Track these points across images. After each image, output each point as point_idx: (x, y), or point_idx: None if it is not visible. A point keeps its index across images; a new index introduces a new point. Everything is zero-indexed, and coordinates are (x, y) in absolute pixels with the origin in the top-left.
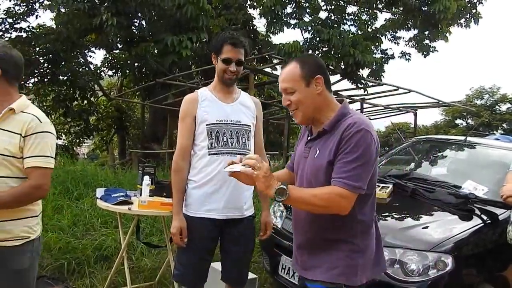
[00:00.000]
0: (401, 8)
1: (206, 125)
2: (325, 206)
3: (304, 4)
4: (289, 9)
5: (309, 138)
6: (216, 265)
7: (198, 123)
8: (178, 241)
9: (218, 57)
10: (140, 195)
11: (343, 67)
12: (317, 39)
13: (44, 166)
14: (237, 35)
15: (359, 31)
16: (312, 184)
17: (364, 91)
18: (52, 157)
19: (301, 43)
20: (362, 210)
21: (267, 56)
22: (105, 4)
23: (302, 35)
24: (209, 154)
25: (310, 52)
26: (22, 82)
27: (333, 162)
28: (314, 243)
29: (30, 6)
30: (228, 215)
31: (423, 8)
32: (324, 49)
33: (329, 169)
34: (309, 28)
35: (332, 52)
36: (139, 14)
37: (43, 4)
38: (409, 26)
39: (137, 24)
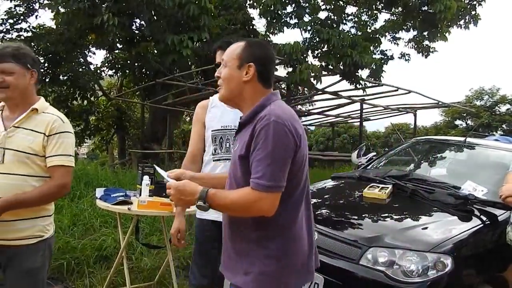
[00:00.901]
0: (401, 8)
1: (211, 131)
2: (245, 211)
3: (304, 4)
4: (289, 9)
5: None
6: None
7: (206, 129)
8: (175, 241)
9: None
10: (140, 195)
11: (341, 67)
12: (317, 39)
13: (67, 165)
14: (226, 40)
15: (358, 32)
16: (232, 180)
17: (363, 92)
18: (73, 156)
19: (301, 44)
20: (280, 210)
21: None
22: (106, 4)
23: (302, 35)
24: (213, 160)
25: (309, 52)
26: None
27: (247, 157)
28: (232, 243)
29: (30, 7)
30: None
31: (423, 8)
32: (323, 49)
33: (242, 164)
34: (309, 28)
35: (332, 52)
36: (140, 14)
37: (43, 4)
38: (408, 27)
39: (138, 24)
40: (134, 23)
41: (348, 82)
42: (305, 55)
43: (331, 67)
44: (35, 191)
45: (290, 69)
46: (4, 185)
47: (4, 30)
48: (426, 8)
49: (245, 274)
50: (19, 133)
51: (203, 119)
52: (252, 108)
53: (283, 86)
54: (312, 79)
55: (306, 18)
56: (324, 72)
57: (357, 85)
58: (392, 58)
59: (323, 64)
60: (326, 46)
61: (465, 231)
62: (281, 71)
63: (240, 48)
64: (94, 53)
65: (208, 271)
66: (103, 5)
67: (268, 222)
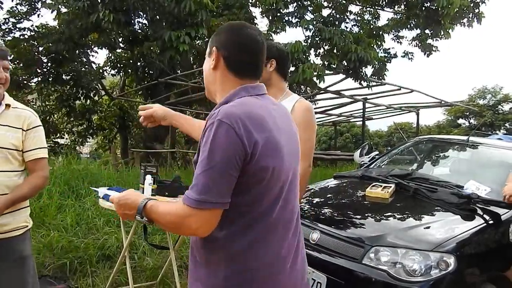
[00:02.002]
0: (404, 5)
1: None
2: (176, 228)
3: (306, 3)
4: (291, 8)
5: None
6: None
7: None
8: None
9: None
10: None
11: (345, 64)
12: (319, 37)
13: (46, 157)
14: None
15: (361, 31)
16: None
17: (369, 89)
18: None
19: (303, 43)
20: (229, 231)
21: None
22: (102, 1)
23: (304, 33)
24: None
25: (312, 50)
26: (25, 82)
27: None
28: (193, 262)
29: (32, 5)
30: None
31: (426, 5)
32: (325, 47)
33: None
34: (311, 27)
35: (334, 51)
36: (140, 12)
37: (45, 3)
38: (411, 25)
39: (139, 23)
40: (132, 21)
41: (353, 79)
42: (307, 54)
43: (333, 66)
44: (26, 185)
45: (292, 69)
46: None
47: (7, 29)
48: (429, 4)
49: None
50: None
51: None
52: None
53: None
54: (315, 78)
55: (308, 17)
56: (327, 71)
57: (362, 83)
58: (395, 56)
59: (325, 63)
60: (328, 45)
61: (468, 230)
62: None
63: (215, 34)
64: (96, 52)
65: None
66: (100, 3)
67: (214, 243)
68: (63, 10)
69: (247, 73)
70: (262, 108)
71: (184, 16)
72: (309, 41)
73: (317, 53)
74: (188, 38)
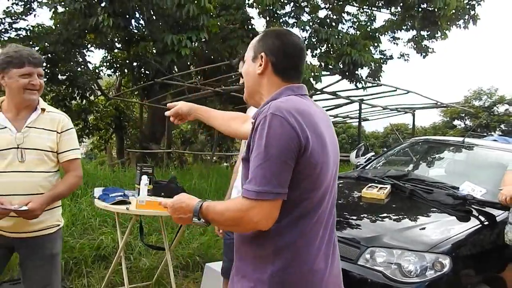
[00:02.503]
0: (400, 6)
1: None
2: (237, 224)
3: (303, 4)
4: (287, 8)
5: None
6: (215, 265)
7: None
8: (217, 231)
9: None
10: (138, 195)
11: (341, 66)
12: (316, 38)
13: (79, 157)
14: None
15: (357, 32)
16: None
17: (364, 91)
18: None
19: None
20: (282, 224)
21: None
22: (102, 5)
23: (300, 34)
24: None
25: (308, 52)
26: None
27: (248, 159)
28: (236, 260)
29: (28, 5)
30: None
31: (422, 6)
32: (322, 48)
33: (245, 166)
34: (307, 28)
35: (331, 52)
36: (137, 14)
37: (41, 2)
38: (408, 27)
39: (135, 24)
40: (131, 24)
41: (348, 81)
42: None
43: (330, 67)
44: (63, 184)
45: None
46: (26, 183)
47: (3, 29)
48: (425, 5)
49: None
50: (33, 132)
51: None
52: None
53: None
54: (312, 79)
55: (305, 18)
56: (323, 72)
57: (357, 84)
58: (391, 58)
59: (322, 63)
60: (325, 46)
61: (463, 231)
62: None
63: (256, 39)
64: (92, 51)
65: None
66: (100, 6)
67: (265, 239)
68: (60, 9)
69: (292, 76)
70: (308, 107)
71: (185, 20)
72: (306, 42)
73: (313, 54)
74: (189, 42)
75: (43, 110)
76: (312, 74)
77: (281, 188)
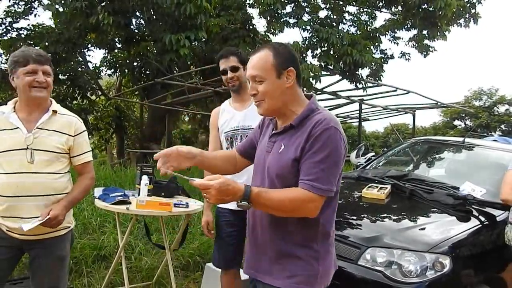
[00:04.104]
0: (401, 6)
1: (224, 133)
2: (292, 211)
3: (303, 3)
4: (288, 8)
5: (273, 131)
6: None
7: (220, 132)
8: (206, 232)
9: (221, 74)
10: (138, 194)
11: (341, 66)
12: (316, 38)
13: (91, 159)
14: (228, 48)
15: (358, 32)
16: (275, 182)
17: (364, 91)
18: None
19: (300, 44)
20: (324, 213)
21: None
22: (102, 3)
23: (301, 34)
24: None
25: (309, 52)
26: None
27: (299, 160)
28: (272, 246)
29: (29, 5)
30: None
31: (423, 6)
32: (323, 48)
33: (294, 166)
34: (308, 27)
35: (331, 52)
36: (137, 13)
37: (42, 3)
38: (408, 26)
39: (136, 23)
40: (131, 22)
41: (348, 81)
42: (304, 55)
43: (330, 67)
44: (77, 188)
45: None
46: (36, 183)
47: (4, 29)
48: (426, 6)
49: (289, 277)
50: (44, 134)
51: (216, 124)
52: (300, 112)
53: None
54: (311, 79)
55: (306, 18)
56: (323, 72)
57: (357, 84)
58: (392, 57)
59: (322, 64)
60: (325, 46)
61: (463, 231)
62: None
63: (271, 56)
64: (93, 51)
65: (228, 253)
66: (100, 4)
67: (312, 223)
68: (60, 10)
69: (301, 81)
70: None
71: (184, 19)
72: (306, 42)
73: (314, 54)
74: (187, 42)
75: (54, 112)
76: (311, 74)
77: (334, 187)
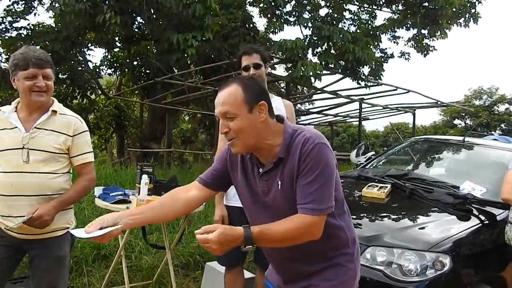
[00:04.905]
0: (402, 5)
1: None
2: (298, 238)
3: (304, 1)
4: (289, 7)
5: (262, 171)
6: (215, 265)
7: None
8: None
9: (241, 69)
10: (139, 194)
11: (343, 64)
12: (317, 36)
13: (92, 160)
14: (250, 46)
15: (358, 30)
16: (280, 213)
17: (366, 89)
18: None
19: (302, 41)
20: (342, 217)
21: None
22: (107, 3)
23: (302, 32)
24: None
25: (310, 50)
26: None
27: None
28: (304, 265)
29: (29, 4)
30: None
31: (424, 4)
32: (324, 46)
33: (291, 197)
34: (309, 25)
35: (332, 50)
36: (142, 12)
37: (42, 3)
38: (408, 25)
39: (137, 23)
40: (136, 21)
41: (351, 79)
42: (305, 52)
43: (331, 66)
44: (73, 189)
45: (290, 65)
46: (32, 183)
47: (4, 29)
48: (427, 4)
49: (336, 285)
50: (41, 133)
51: None
52: (282, 141)
53: (282, 85)
54: (312, 78)
55: (306, 15)
56: (324, 72)
57: (359, 82)
58: (392, 56)
59: (323, 62)
60: (326, 44)
61: (463, 230)
62: (280, 70)
63: (240, 90)
64: (93, 50)
65: (233, 252)
66: (105, 4)
67: (342, 229)
68: (62, 9)
69: (272, 112)
70: None
71: (190, 19)
72: (307, 40)
73: (315, 52)
74: (194, 42)
75: (54, 112)
76: (311, 72)
77: (332, 202)
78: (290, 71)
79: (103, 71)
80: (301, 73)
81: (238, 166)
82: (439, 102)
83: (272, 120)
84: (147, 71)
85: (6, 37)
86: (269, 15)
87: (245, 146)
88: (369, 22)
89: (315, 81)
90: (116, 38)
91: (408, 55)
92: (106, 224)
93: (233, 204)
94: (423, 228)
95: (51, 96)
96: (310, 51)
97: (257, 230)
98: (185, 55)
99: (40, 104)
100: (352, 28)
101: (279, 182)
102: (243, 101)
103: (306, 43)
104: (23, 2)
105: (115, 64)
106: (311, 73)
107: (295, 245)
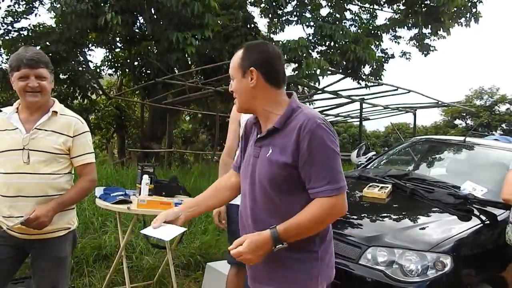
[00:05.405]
0: (403, 3)
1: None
2: (324, 223)
3: (305, 1)
4: (290, 7)
5: (258, 136)
6: (216, 265)
7: (240, 127)
8: (217, 223)
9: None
10: (139, 194)
11: (344, 63)
12: (320, 35)
13: (93, 161)
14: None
15: (359, 30)
16: (266, 188)
17: (367, 89)
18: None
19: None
20: None
21: None
22: (108, 3)
23: (304, 30)
24: None
25: (313, 48)
26: None
27: (294, 165)
28: (270, 253)
29: (30, 5)
30: None
31: (425, 2)
32: (326, 45)
33: (286, 170)
34: (311, 24)
35: (335, 48)
36: (143, 12)
37: (43, 3)
38: (410, 25)
39: (140, 23)
40: (137, 21)
41: (352, 79)
42: (309, 51)
43: (335, 63)
44: (73, 189)
45: (295, 65)
46: (33, 184)
47: (5, 29)
48: (428, 1)
49: (291, 283)
50: (42, 134)
51: (238, 118)
52: (282, 113)
53: None
54: (318, 74)
55: (308, 15)
56: (328, 70)
57: (360, 82)
58: (393, 56)
59: (326, 60)
60: (328, 42)
61: (464, 230)
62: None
63: (238, 56)
64: (94, 50)
65: None
66: (106, 4)
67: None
68: (64, 9)
69: (281, 82)
70: None
71: (190, 18)
72: (309, 39)
73: (317, 50)
74: (194, 40)
75: (55, 112)
76: (314, 69)
77: (344, 180)
78: (296, 71)
79: (104, 72)
80: (307, 71)
81: (249, 136)
82: (440, 102)
83: (274, 89)
84: (148, 71)
85: (8, 38)
86: (270, 15)
87: (242, 107)
88: (370, 22)
89: (323, 77)
90: (117, 39)
91: (409, 55)
92: (169, 218)
93: (232, 202)
94: (424, 228)
95: (51, 96)
96: (312, 50)
97: (283, 227)
98: (185, 54)
99: (36, 104)
100: (353, 29)
101: (270, 151)
102: (238, 66)
103: (309, 42)
104: (24, 2)
105: (116, 65)
106: (318, 71)
107: (266, 224)
